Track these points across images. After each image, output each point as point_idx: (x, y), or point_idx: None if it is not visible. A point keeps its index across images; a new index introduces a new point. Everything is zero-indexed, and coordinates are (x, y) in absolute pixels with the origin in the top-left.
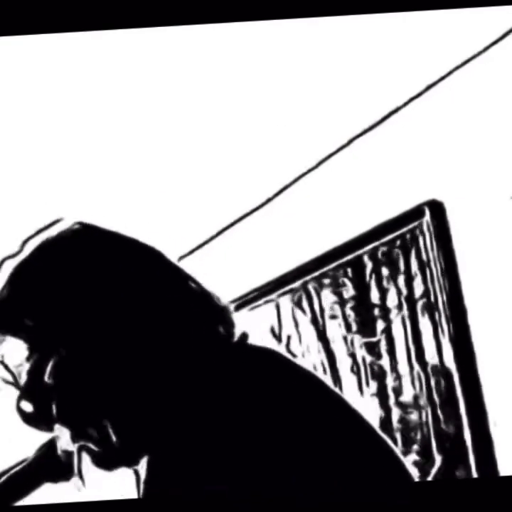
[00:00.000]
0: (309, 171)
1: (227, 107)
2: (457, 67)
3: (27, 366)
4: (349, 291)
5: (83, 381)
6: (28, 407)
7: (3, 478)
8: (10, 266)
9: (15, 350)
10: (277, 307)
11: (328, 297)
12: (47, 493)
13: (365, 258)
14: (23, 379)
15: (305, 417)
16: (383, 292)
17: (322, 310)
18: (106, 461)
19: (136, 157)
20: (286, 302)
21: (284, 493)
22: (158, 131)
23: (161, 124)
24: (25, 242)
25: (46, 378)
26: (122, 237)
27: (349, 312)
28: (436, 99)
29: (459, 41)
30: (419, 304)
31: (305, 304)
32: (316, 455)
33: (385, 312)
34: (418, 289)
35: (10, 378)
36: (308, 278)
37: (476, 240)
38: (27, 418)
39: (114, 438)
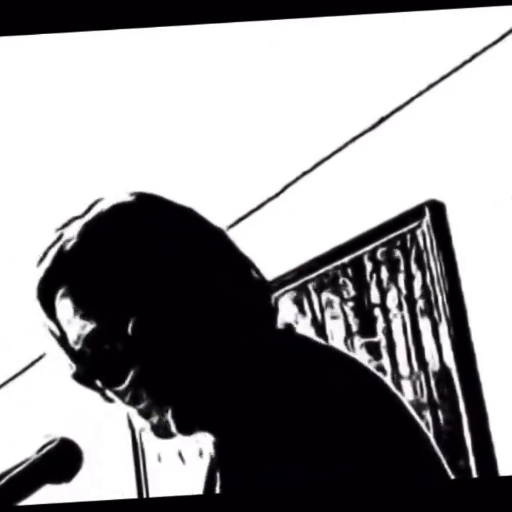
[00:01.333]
0: (309, 170)
1: (227, 107)
2: (457, 67)
3: (76, 325)
4: (349, 291)
5: (151, 355)
6: (86, 366)
7: (4, 479)
8: (77, 225)
9: (68, 313)
10: None
11: (328, 297)
12: (47, 493)
13: (365, 258)
14: (73, 339)
15: (352, 410)
16: (383, 292)
17: (322, 310)
18: (163, 429)
19: (136, 157)
20: (286, 302)
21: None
22: (158, 131)
23: (161, 124)
24: (92, 204)
25: (111, 349)
26: (193, 215)
27: (349, 312)
28: (437, 99)
29: (459, 41)
30: (419, 304)
31: (305, 304)
32: (359, 446)
33: (385, 312)
34: (418, 289)
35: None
36: (308, 278)
37: (476, 239)
38: (97, 388)
39: (170, 406)
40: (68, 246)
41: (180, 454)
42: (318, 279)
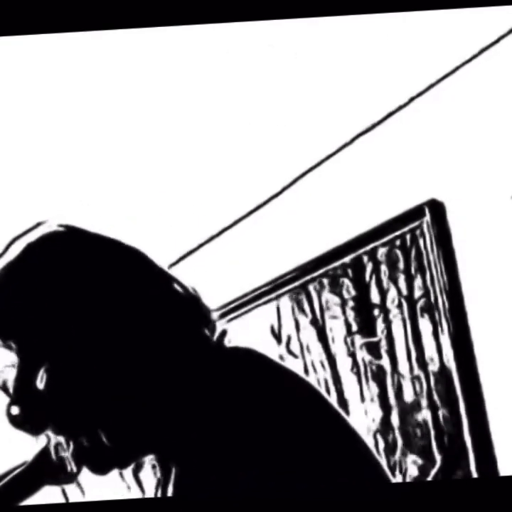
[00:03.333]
0: (309, 170)
1: (227, 107)
2: (457, 67)
3: (11, 372)
4: (349, 291)
5: (73, 387)
6: (16, 411)
7: (4, 480)
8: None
9: None
10: (277, 307)
11: (328, 297)
12: (47, 493)
13: (365, 258)
14: (8, 384)
15: (287, 416)
16: (383, 292)
17: (322, 310)
18: (99, 465)
19: (137, 157)
20: (286, 302)
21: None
22: (157, 131)
23: (161, 124)
24: (9, 244)
25: (38, 384)
26: (106, 239)
27: (349, 312)
28: (437, 99)
29: (459, 41)
30: (419, 304)
31: (305, 304)
32: (295, 453)
33: (385, 312)
34: (418, 289)
35: None
36: (308, 278)
37: (476, 240)
38: (16, 422)
39: (106, 442)
40: None
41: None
42: (318, 279)
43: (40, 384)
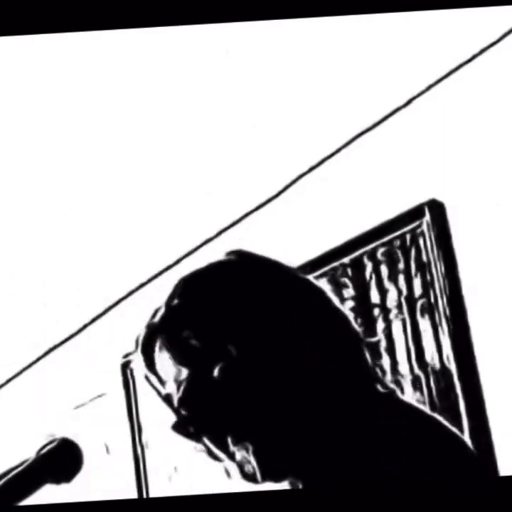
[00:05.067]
0: (309, 170)
1: (227, 107)
2: (457, 67)
3: (176, 380)
4: (349, 291)
5: (240, 400)
6: (184, 413)
7: (5, 479)
8: (185, 281)
9: (166, 364)
10: None
11: None
12: (47, 493)
13: (365, 258)
14: (172, 391)
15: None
16: (383, 292)
17: None
18: (253, 477)
19: (137, 157)
20: None
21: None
22: (157, 131)
23: (161, 124)
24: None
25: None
26: (287, 270)
27: (349, 312)
28: (437, 99)
29: (459, 41)
30: (419, 304)
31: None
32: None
33: (385, 312)
34: (418, 289)
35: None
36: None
37: (476, 239)
38: (180, 425)
39: (259, 458)
40: (166, 303)
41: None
42: (318, 279)
43: (208, 393)
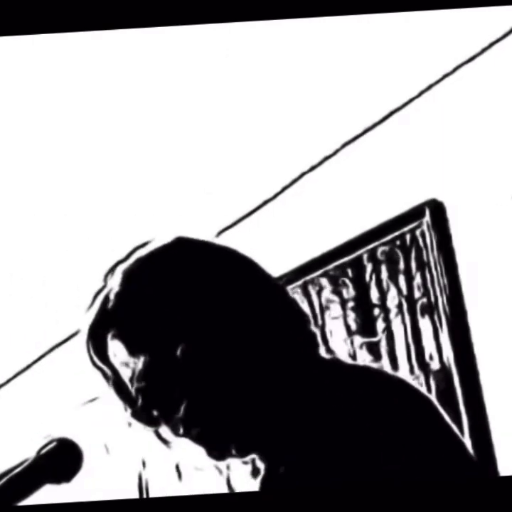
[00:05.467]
0: (309, 170)
1: (227, 107)
2: (457, 67)
3: (130, 364)
4: (349, 291)
5: (190, 385)
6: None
7: (5, 479)
8: (120, 270)
9: (119, 353)
10: None
11: (328, 297)
12: (47, 493)
13: (365, 258)
14: (125, 377)
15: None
16: (383, 292)
17: (322, 310)
18: (216, 452)
19: (137, 157)
20: None
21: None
22: (157, 131)
23: (161, 124)
24: (134, 250)
25: (162, 381)
26: (223, 249)
27: (349, 312)
28: (437, 99)
29: (459, 41)
30: (419, 304)
31: (305, 304)
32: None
33: (385, 312)
34: (418, 288)
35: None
36: (308, 278)
37: (476, 240)
38: (137, 412)
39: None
40: (112, 292)
41: (177, 467)
42: (318, 279)
43: (164, 380)
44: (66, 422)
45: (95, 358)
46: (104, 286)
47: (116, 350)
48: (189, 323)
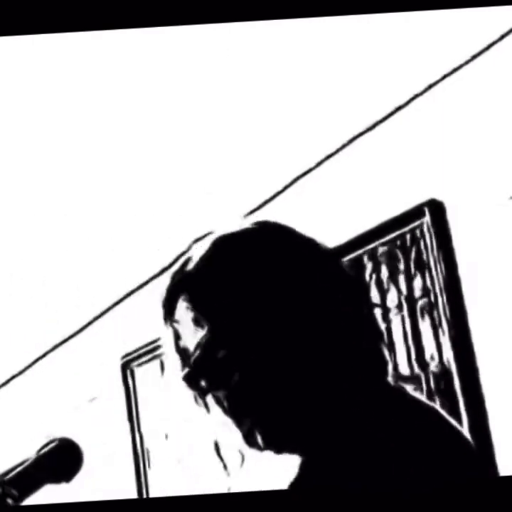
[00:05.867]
0: (309, 170)
1: (227, 107)
2: (457, 67)
3: (192, 330)
4: None
5: (251, 369)
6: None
7: (5, 479)
8: (208, 240)
9: (186, 320)
10: None
11: None
12: (47, 493)
13: (365, 258)
14: (188, 347)
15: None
16: (383, 292)
17: None
18: (253, 440)
19: (137, 157)
20: None
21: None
22: (157, 131)
23: (161, 124)
24: (195, 241)
25: (219, 355)
26: (315, 244)
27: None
28: (437, 99)
29: (459, 41)
30: (419, 304)
31: None
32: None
33: (385, 312)
34: (418, 289)
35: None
36: None
37: (476, 240)
38: (191, 376)
39: (263, 426)
40: (196, 257)
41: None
42: None
43: (224, 357)
44: (66, 422)
45: (163, 316)
46: (188, 250)
47: (183, 314)
48: (263, 310)
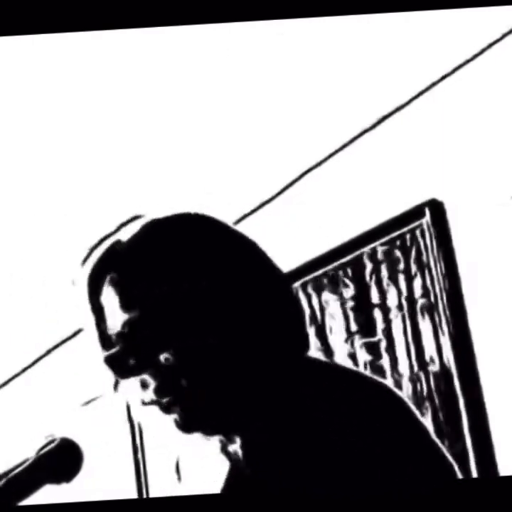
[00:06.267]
0: (309, 170)
1: (227, 107)
2: (457, 67)
3: (118, 311)
4: (349, 291)
5: (179, 351)
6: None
7: (5, 479)
8: (133, 226)
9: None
10: None
11: (327, 297)
12: (47, 493)
13: (365, 258)
14: (112, 328)
15: (368, 422)
16: (383, 292)
17: (322, 310)
18: (190, 422)
19: (137, 157)
20: None
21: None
22: (158, 131)
23: (161, 124)
24: (123, 224)
25: (147, 335)
26: (237, 234)
27: (349, 312)
28: (437, 99)
29: (459, 41)
30: (419, 304)
31: (305, 303)
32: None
33: (385, 312)
34: (418, 289)
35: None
36: (308, 278)
37: (476, 240)
38: (113, 358)
39: (203, 401)
40: (124, 239)
41: (177, 467)
42: (317, 279)
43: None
44: (66, 422)
45: (87, 298)
46: (114, 232)
47: (109, 294)
48: (188, 293)
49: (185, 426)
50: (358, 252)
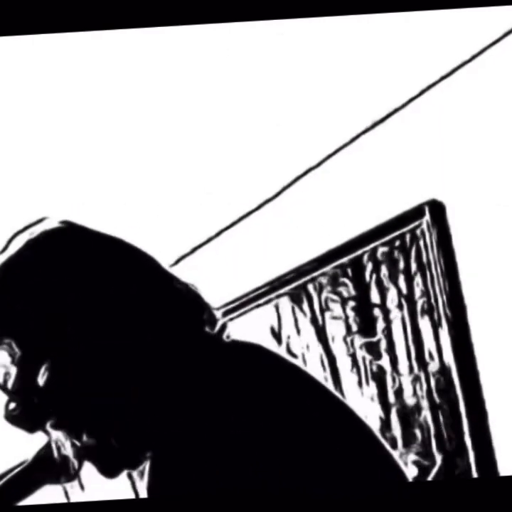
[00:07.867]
0: (309, 170)
1: (227, 107)
2: (457, 68)
3: (13, 368)
4: (349, 291)
5: (74, 384)
6: (14, 407)
7: (5, 478)
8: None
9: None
10: (277, 307)
11: (328, 297)
12: (47, 493)
13: (365, 258)
14: (10, 381)
15: (294, 411)
16: (383, 292)
17: (322, 310)
18: (109, 466)
19: (136, 157)
20: (286, 302)
21: (278, 487)
22: (158, 131)
23: (161, 124)
24: (10, 239)
25: (39, 381)
26: (107, 237)
27: (349, 312)
28: (437, 99)
29: (459, 41)
30: (419, 304)
31: (305, 304)
32: (307, 450)
33: (385, 312)
34: (418, 289)
35: None
36: (308, 278)
37: (476, 240)
38: (13, 417)
39: (113, 441)
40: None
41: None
42: (317, 279)
43: (41, 381)
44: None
45: None
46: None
47: None
48: (67, 317)
49: (108, 474)
50: (358, 252)
